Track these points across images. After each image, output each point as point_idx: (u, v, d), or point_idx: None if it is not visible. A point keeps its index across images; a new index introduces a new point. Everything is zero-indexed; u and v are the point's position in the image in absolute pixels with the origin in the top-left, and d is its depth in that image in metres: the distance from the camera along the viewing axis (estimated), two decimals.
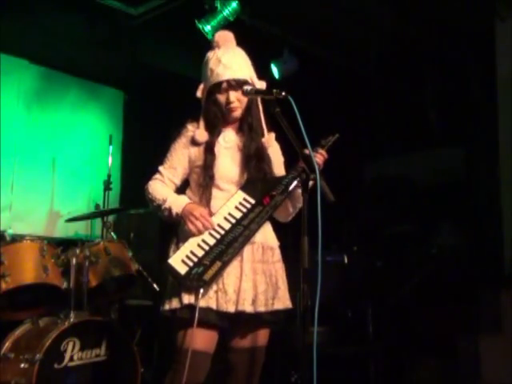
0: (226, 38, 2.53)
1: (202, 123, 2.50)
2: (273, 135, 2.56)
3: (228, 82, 2.44)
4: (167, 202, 2.42)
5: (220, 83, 2.44)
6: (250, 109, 2.53)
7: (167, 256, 2.40)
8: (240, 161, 2.51)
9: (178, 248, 2.40)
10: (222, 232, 2.37)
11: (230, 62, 2.47)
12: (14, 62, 5.02)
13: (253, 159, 2.49)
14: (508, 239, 4.40)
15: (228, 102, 2.45)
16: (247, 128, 2.53)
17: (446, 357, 4.06)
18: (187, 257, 2.32)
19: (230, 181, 2.48)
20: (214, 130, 2.49)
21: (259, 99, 2.52)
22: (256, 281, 2.39)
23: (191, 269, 2.29)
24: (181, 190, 2.57)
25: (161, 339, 3.98)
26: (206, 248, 2.34)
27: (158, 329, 4.00)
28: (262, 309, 2.37)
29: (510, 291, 4.01)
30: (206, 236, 2.37)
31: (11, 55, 4.97)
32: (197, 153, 2.49)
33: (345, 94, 5.81)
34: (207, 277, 2.29)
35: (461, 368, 3.88)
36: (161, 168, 2.54)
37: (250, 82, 2.47)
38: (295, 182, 2.44)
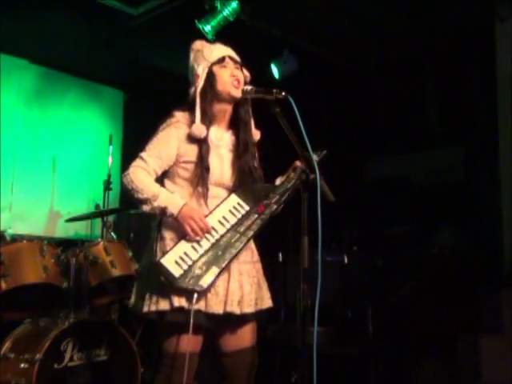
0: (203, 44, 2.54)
1: (198, 115, 2.38)
2: (259, 133, 2.56)
3: (230, 57, 2.48)
4: (160, 199, 2.28)
5: (223, 59, 2.45)
6: (243, 104, 2.49)
7: (154, 253, 2.32)
8: (230, 161, 2.47)
9: (165, 246, 2.32)
10: (217, 236, 2.32)
11: (225, 46, 2.53)
12: (14, 62, 5.03)
13: (244, 156, 2.45)
14: (508, 239, 4.40)
15: (233, 75, 2.43)
16: (241, 123, 2.49)
17: (446, 357, 4.06)
18: (181, 258, 2.24)
19: (219, 182, 2.42)
20: (209, 121, 2.40)
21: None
22: (242, 282, 2.37)
23: (186, 272, 2.22)
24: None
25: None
26: (201, 251, 2.28)
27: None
28: (247, 310, 2.36)
29: (510, 291, 4.01)
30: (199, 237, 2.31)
31: (11, 55, 4.98)
32: (187, 147, 2.38)
33: (345, 93, 5.81)
34: (204, 282, 2.23)
35: (461, 368, 3.88)
36: (145, 155, 2.36)
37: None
38: (289, 192, 2.44)
